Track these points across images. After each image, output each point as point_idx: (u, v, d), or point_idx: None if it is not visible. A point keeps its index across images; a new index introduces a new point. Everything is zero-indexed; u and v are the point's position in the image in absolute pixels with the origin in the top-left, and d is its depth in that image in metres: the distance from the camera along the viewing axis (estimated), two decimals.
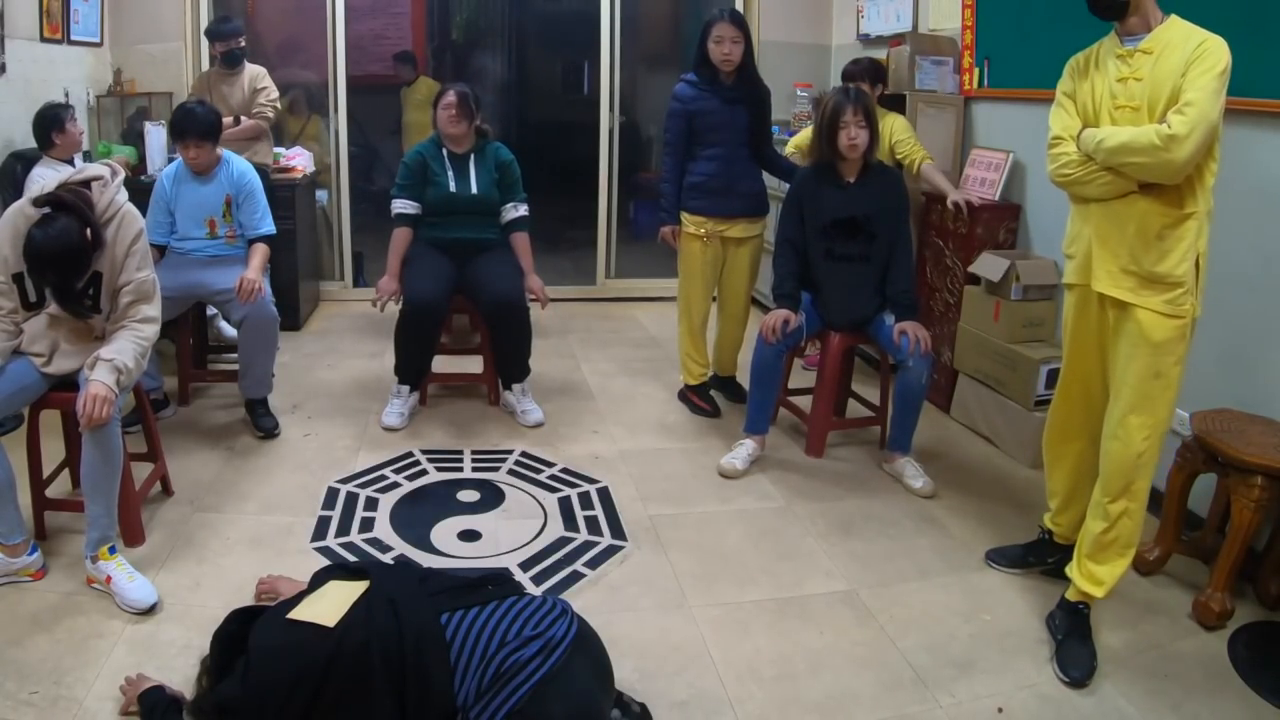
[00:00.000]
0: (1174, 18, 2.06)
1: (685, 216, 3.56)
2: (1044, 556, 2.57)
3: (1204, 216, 2.08)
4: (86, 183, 2.41)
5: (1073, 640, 2.22)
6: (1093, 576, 2.24)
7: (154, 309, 2.50)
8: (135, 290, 2.44)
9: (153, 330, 2.49)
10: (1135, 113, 2.07)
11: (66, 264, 2.29)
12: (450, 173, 3.52)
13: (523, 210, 3.63)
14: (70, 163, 3.40)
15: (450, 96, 3.47)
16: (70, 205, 2.29)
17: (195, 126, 3.21)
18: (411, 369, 3.52)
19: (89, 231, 2.31)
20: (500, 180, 3.58)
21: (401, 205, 3.54)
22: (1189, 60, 1.98)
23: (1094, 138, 2.11)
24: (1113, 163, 2.07)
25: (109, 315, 2.47)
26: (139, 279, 2.45)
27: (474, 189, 3.53)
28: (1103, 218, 2.16)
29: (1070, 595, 2.29)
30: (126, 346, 2.38)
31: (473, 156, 3.54)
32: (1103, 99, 2.14)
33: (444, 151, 3.53)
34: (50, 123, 3.42)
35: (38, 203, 2.30)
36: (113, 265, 2.42)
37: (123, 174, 2.53)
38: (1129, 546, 2.22)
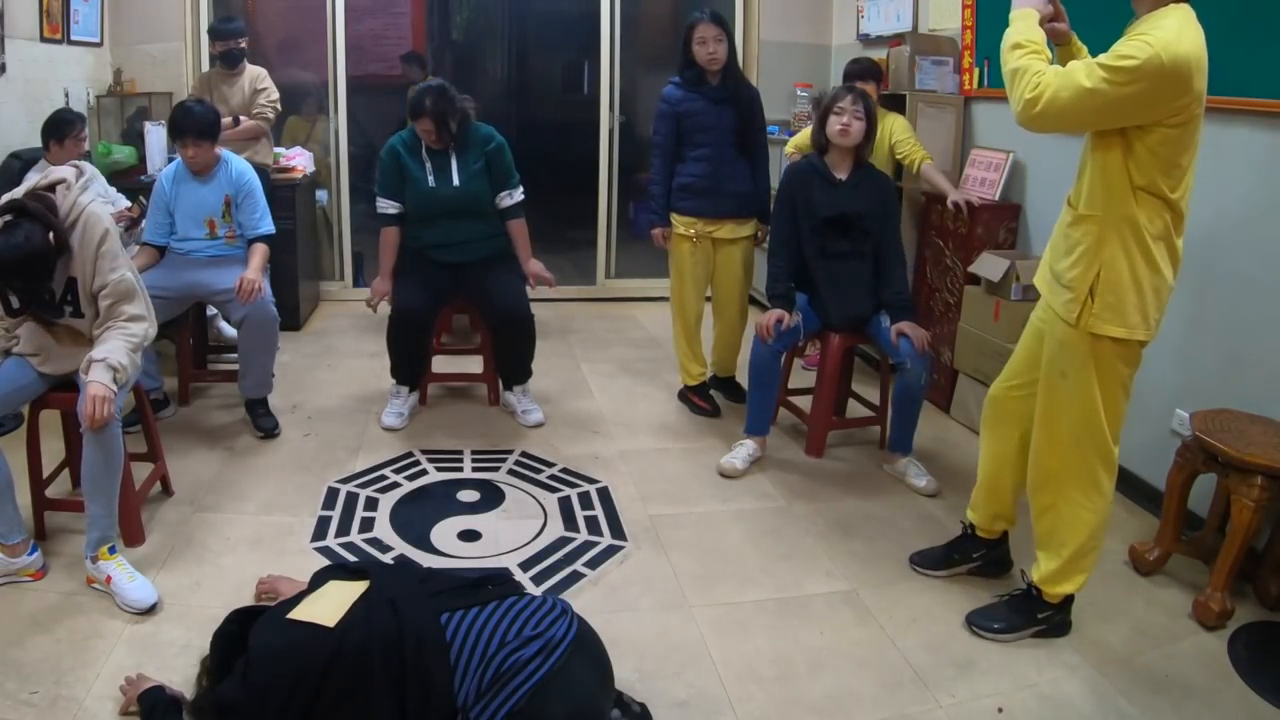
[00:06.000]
0: (1170, 10, 1.88)
1: (674, 217, 3.57)
2: (968, 552, 2.54)
3: (1113, 226, 1.98)
4: (52, 186, 2.40)
5: (1001, 602, 2.32)
6: (1036, 560, 2.29)
7: (137, 307, 2.47)
8: (113, 292, 2.42)
9: (141, 327, 2.46)
10: None
11: (30, 270, 2.26)
12: (428, 166, 3.34)
13: (518, 196, 3.47)
14: None
15: (426, 122, 3.23)
16: (33, 212, 2.26)
17: (193, 125, 3.21)
18: (406, 372, 3.52)
19: (52, 236, 2.27)
20: (489, 170, 3.40)
21: (384, 205, 3.44)
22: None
23: (1008, 40, 2.01)
24: (1004, 69, 2.00)
25: (93, 320, 2.45)
26: (113, 280, 2.41)
27: (455, 181, 3.34)
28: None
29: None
30: (117, 345, 2.37)
31: (452, 145, 3.35)
32: None
33: (422, 144, 3.35)
34: (51, 131, 3.42)
35: (1, 210, 2.29)
36: (84, 269, 2.40)
37: (89, 173, 2.50)
38: (1063, 546, 2.20)
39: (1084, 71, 1.88)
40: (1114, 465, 2.17)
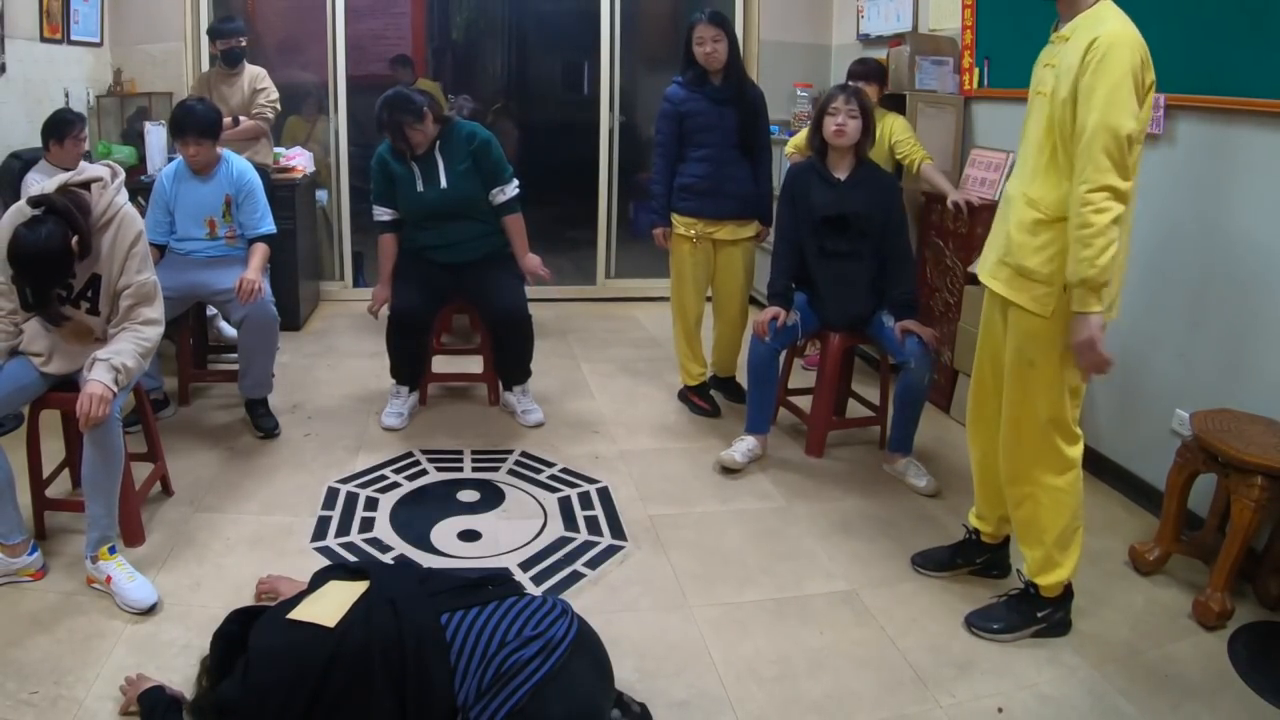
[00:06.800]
0: (1103, 6, 1.99)
1: (675, 218, 3.57)
2: (971, 557, 2.54)
3: None
4: (87, 184, 2.41)
5: (1000, 602, 2.32)
6: (1022, 555, 2.31)
7: (155, 311, 2.49)
8: (136, 293, 2.44)
9: (154, 331, 2.48)
10: (1043, 98, 2.06)
11: (45, 269, 2.27)
12: (416, 171, 3.32)
13: (512, 191, 3.42)
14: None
15: (387, 135, 3.26)
16: (60, 210, 2.27)
17: (195, 124, 3.21)
18: (405, 372, 3.52)
19: (75, 239, 2.28)
20: (477, 168, 3.36)
21: (380, 212, 3.44)
22: (1084, 64, 1.91)
23: (1089, 259, 1.92)
24: (1108, 255, 1.92)
25: (109, 318, 2.47)
26: (139, 281, 2.44)
27: (443, 184, 3.32)
28: (1000, 213, 2.21)
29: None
30: (126, 347, 2.38)
31: (438, 146, 3.32)
32: (1033, 88, 2.14)
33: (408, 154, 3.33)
34: (51, 131, 3.43)
35: (32, 203, 2.30)
36: (111, 268, 2.42)
37: (123, 175, 2.52)
38: (1044, 533, 2.22)
39: (1115, 120, 1.86)
40: (1080, 440, 2.20)
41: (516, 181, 3.47)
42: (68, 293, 2.43)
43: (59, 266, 2.29)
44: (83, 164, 2.56)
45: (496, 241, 3.49)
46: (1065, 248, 2.02)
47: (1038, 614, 2.27)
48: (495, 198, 3.43)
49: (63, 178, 2.42)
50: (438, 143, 3.33)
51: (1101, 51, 1.89)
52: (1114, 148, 1.88)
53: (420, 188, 3.34)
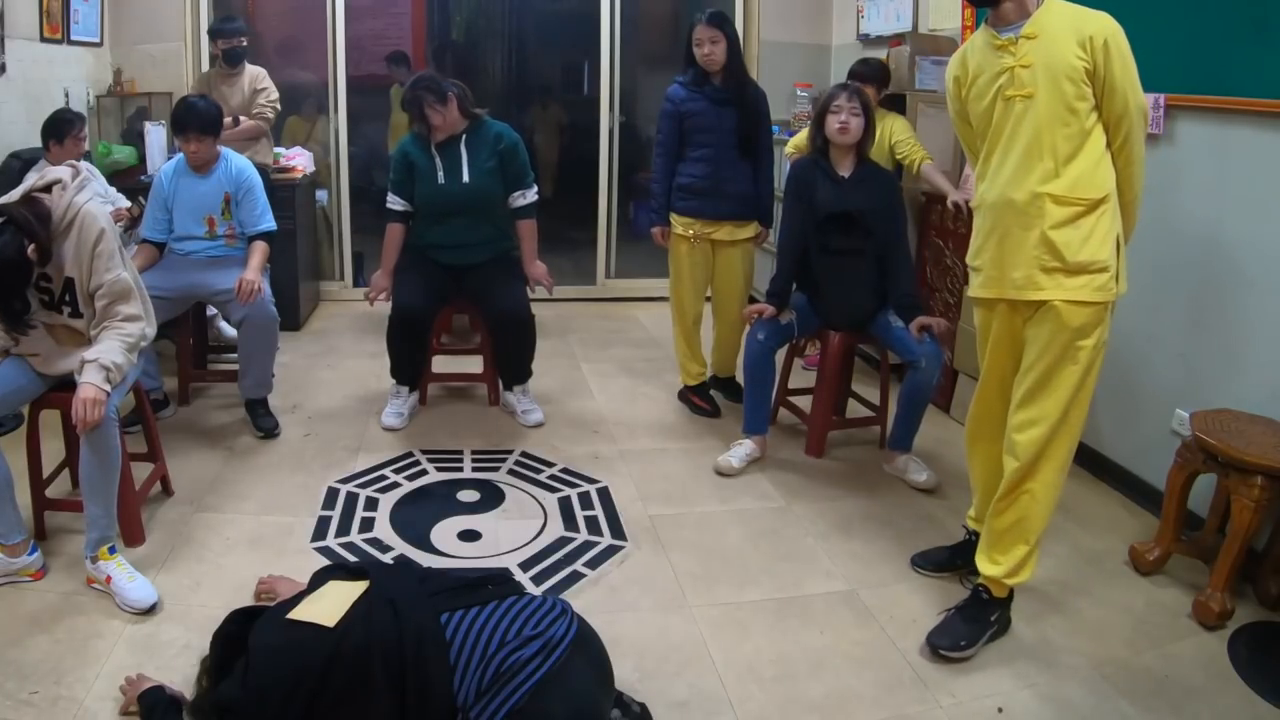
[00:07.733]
0: (1049, 1, 2.06)
1: (673, 217, 3.57)
2: (971, 557, 2.50)
3: (1112, 194, 2.09)
4: (49, 187, 2.38)
5: (955, 617, 2.26)
6: (992, 560, 2.25)
7: (133, 307, 2.45)
8: (109, 292, 2.40)
9: (136, 327, 2.45)
10: (1030, 100, 2.04)
11: (2, 279, 2.23)
12: (438, 162, 3.35)
13: (531, 196, 3.48)
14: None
15: (409, 112, 3.33)
16: (17, 221, 2.23)
17: (196, 120, 3.21)
18: (405, 371, 3.52)
19: (33, 249, 2.24)
20: (502, 168, 3.40)
21: (393, 201, 3.45)
22: (1104, 58, 1.98)
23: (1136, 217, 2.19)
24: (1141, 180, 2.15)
25: (91, 320, 2.44)
26: (109, 280, 2.39)
27: (465, 177, 3.35)
28: (1013, 223, 2.10)
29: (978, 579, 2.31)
30: (112, 344, 2.36)
31: (465, 140, 3.36)
32: (993, 93, 2.11)
33: (431, 141, 3.36)
34: (51, 131, 3.43)
35: None
36: (81, 269, 2.38)
37: (85, 174, 2.48)
38: (1031, 533, 2.19)
39: (1143, 100, 2.06)
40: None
41: (536, 188, 3.50)
42: (49, 298, 2.41)
43: (17, 276, 2.25)
44: (47, 168, 2.52)
45: (503, 246, 3.52)
46: (1108, 225, 2.07)
47: (990, 618, 2.24)
48: (515, 200, 3.46)
49: (28, 184, 2.40)
50: (464, 136, 3.35)
51: (1116, 42, 1.99)
52: (1145, 123, 2.09)
53: (441, 179, 3.35)
